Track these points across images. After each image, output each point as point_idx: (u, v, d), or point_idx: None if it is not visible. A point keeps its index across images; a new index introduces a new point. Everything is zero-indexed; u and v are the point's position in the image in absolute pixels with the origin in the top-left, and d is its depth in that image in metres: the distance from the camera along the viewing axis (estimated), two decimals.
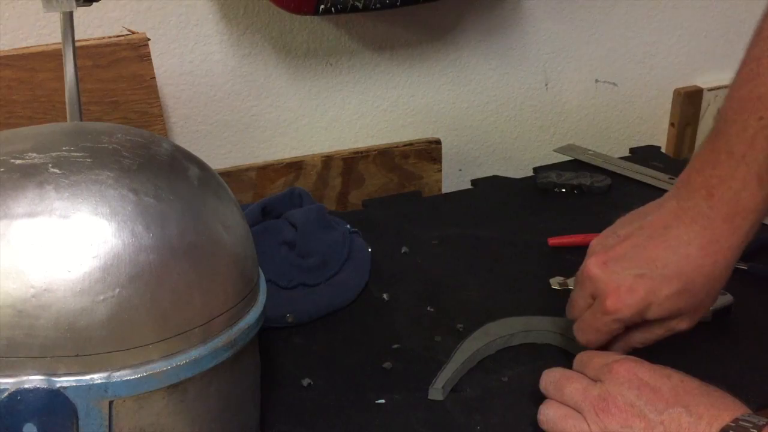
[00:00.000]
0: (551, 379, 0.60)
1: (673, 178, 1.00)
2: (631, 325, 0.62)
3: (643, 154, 1.11)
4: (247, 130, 1.03)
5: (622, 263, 0.61)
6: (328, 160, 1.03)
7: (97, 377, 0.46)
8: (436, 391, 0.64)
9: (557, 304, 0.76)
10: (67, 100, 0.60)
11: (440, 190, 1.11)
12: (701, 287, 0.59)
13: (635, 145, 1.20)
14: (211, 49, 0.98)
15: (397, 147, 1.07)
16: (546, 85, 1.18)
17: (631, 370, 0.56)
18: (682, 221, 0.59)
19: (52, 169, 0.46)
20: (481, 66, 1.13)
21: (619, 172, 1.05)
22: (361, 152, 1.05)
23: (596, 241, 0.64)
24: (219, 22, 0.97)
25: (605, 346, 0.64)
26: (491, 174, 1.10)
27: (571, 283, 0.78)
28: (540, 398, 0.60)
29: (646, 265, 0.59)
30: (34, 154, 0.47)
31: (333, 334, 0.74)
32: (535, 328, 0.71)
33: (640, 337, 0.63)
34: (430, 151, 1.09)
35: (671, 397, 0.53)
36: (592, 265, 0.62)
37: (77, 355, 0.45)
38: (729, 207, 0.58)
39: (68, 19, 0.59)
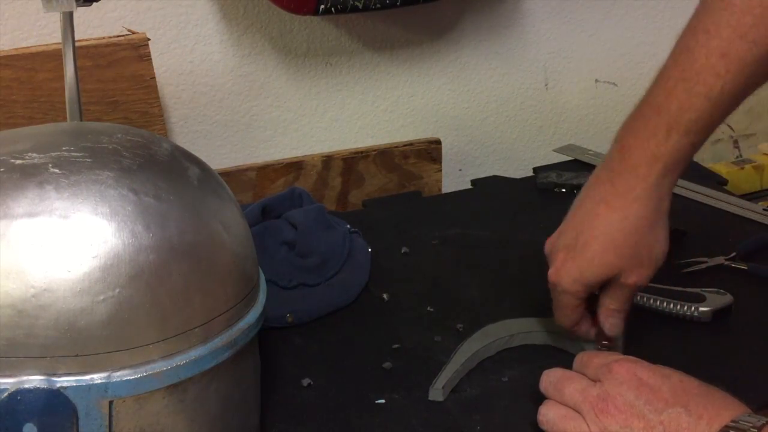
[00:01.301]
0: (551, 379, 0.60)
1: None
2: (587, 295, 0.64)
3: None
4: (247, 130, 1.03)
5: (558, 239, 0.65)
6: (328, 160, 1.03)
7: (97, 377, 0.46)
8: (437, 392, 0.64)
9: None
10: (67, 100, 0.60)
11: (440, 190, 1.11)
12: (625, 241, 0.60)
13: None
14: (211, 49, 0.98)
15: (397, 147, 1.07)
16: (546, 85, 1.18)
17: (630, 371, 0.56)
18: (596, 185, 0.62)
19: (52, 169, 0.46)
20: (481, 66, 1.13)
21: None
22: (361, 152, 1.05)
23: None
24: (219, 22, 0.97)
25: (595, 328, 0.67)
26: (491, 174, 1.10)
27: None
28: (540, 398, 0.60)
29: (570, 236, 0.63)
30: (34, 154, 0.47)
31: (333, 334, 0.74)
32: (535, 329, 0.71)
33: (606, 303, 0.64)
34: (430, 151, 1.09)
35: (670, 397, 0.53)
36: (546, 243, 0.66)
37: (77, 355, 0.45)
38: (635, 157, 0.59)
39: (68, 19, 0.59)
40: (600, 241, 0.61)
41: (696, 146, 0.59)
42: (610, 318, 0.65)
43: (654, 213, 0.60)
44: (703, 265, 0.82)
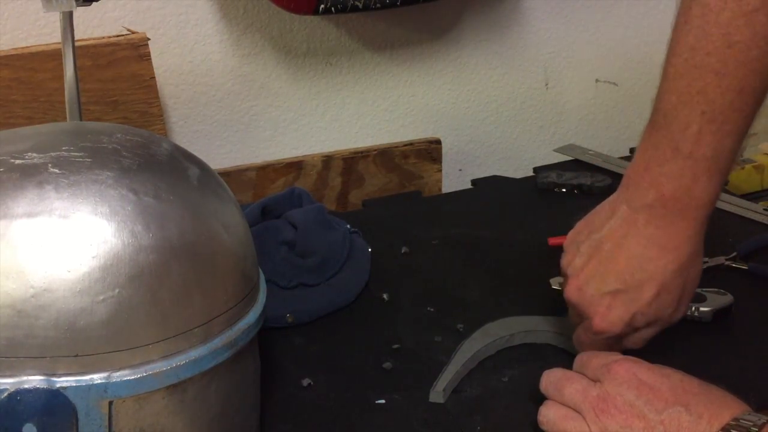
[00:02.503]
0: (551, 379, 0.60)
1: None
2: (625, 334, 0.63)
3: None
4: (247, 130, 1.03)
5: (594, 284, 0.61)
6: (328, 160, 1.03)
7: (97, 377, 0.46)
8: (437, 394, 0.64)
9: (557, 304, 0.76)
10: (66, 100, 0.60)
11: (440, 190, 1.11)
12: (674, 282, 0.60)
13: (635, 145, 1.19)
14: (211, 49, 0.98)
15: (397, 147, 1.07)
16: (546, 85, 1.18)
17: (630, 371, 0.56)
18: (637, 226, 0.60)
19: (51, 169, 0.46)
20: (481, 66, 1.13)
21: (619, 172, 1.04)
22: (361, 152, 1.05)
23: (565, 262, 0.65)
24: (219, 22, 0.97)
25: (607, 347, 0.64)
26: (491, 174, 1.10)
27: None
28: (540, 398, 0.60)
29: (617, 280, 0.60)
30: (34, 154, 0.47)
31: (333, 334, 0.74)
32: (535, 328, 0.71)
33: (637, 339, 0.64)
34: (430, 151, 1.09)
35: (671, 396, 0.53)
36: (569, 292, 0.63)
37: (77, 355, 0.45)
38: (682, 203, 0.58)
39: (68, 18, 0.59)
40: (655, 284, 0.60)
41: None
42: (640, 343, 0.64)
43: (700, 249, 0.61)
44: (704, 265, 0.81)
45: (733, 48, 0.54)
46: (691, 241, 0.59)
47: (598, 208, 0.64)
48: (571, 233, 0.66)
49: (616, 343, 0.64)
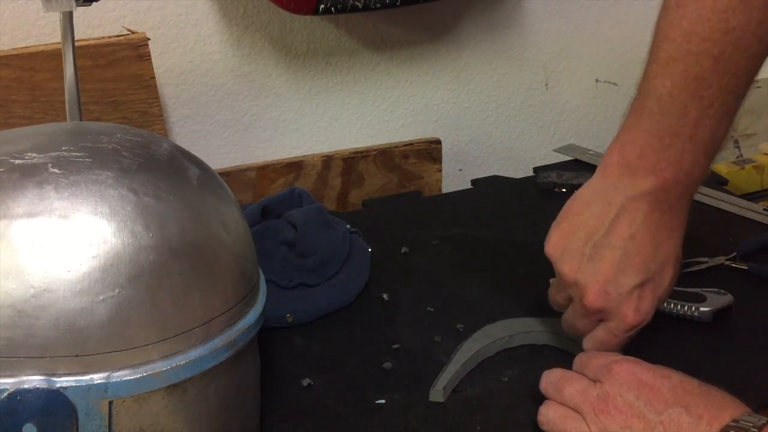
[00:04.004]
0: (551, 379, 0.60)
1: None
2: None
3: None
4: (247, 130, 1.03)
5: (619, 283, 0.61)
6: (328, 160, 1.03)
7: (97, 377, 0.46)
8: (437, 393, 0.64)
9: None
10: (66, 100, 0.60)
11: (440, 190, 1.11)
12: (680, 253, 0.63)
13: None
14: (211, 49, 0.98)
15: (397, 147, 1.07)
16: (546, 85, 1.18)
17: (630, 371, 0.56)
18: (643, 215, 0.60)
19: (51, 169, 0.46)
20: (481, 66, 1.13)
21: None
22: (361, 152, 1.05)
23: (570, 273, 0.63)
24: (219, 21, 0.97)
25: None
26: (491, 174, 1.10)
27: None
28: (540, 398, 0.60)
29: (641, 271, 0.61)
30: (34, 154, 0.47)
31: (333, 334, 0.74)
32: (535, 329, 0.71)
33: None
34: (430, 151, 1.09)
35: (671, 397, 0.53)
36: (593, 300, 0.61)
37: (77, 355, 0.45)
38: (682, 186, 0.59)
39: (68, 18, 0.59)
40: (672, 263, 0.62)
41: None
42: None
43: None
44: (704, 265, 0.81)
45: (730, 33, 0.55)
46: (687, 213, 0.62)
47: (577, 206, 0.64)
48: (556, 242, 0.64)
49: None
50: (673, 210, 0.60)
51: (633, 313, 0.61)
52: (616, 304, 0.61)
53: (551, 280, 0.80)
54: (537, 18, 1.13)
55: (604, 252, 0.61)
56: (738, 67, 0.56)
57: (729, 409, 0.52)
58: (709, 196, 0.96)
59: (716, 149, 0.59)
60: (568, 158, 1.10)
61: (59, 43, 0.60)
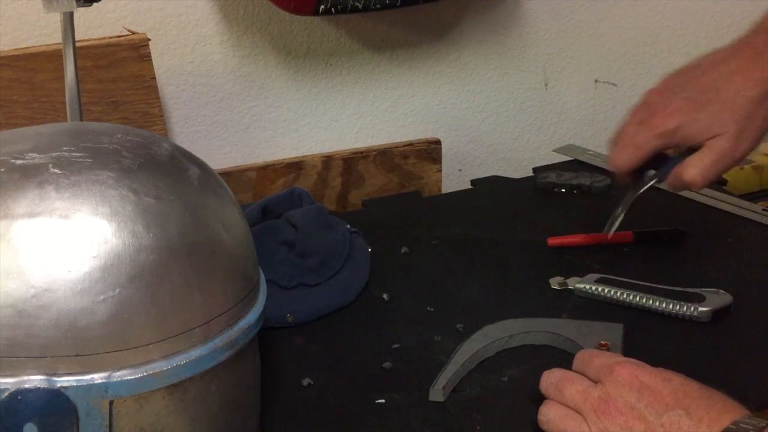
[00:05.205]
0: (551, 380, 0.60)
1: None
2: (672, 147, 0.70)
3: None
4: (247, 130, 1.03)
5: (676, 90, 0.69)
6: (328, 160, 1.03)
7: (98, 377, 0.46)
8: (437, 392, 0.64)
9: (557, 304, 0.76)
10: (67, 101, 0.60)
11: (440, 190, 1.11)
12: (742, 108, 0.66)
13: None
14: (211, 50, 0.98)
15: (397, 147, 1.07)
16: (546, 85, 1.18)
17: (631, 373, 0.56)
18: (736, 54, 0.67)
19: (52, 169, 0.46)
20: (481, 66, 1.13)
21: None
22: (361, 152, 1.05)
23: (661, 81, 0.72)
24: (219, 22, 0.97)
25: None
26: (491, 174, 1.10)
27: (570, 283, 0.78)
28: (540, 398, 0.60)
29: (695, 90, 0.67)
30: (35, 154, 0.47)
31: (333, 334, 0.74)
32: (534, 329, 0.71)
33: (692, 165, 0.68)
34: (430, 151, 1.09)
35: (672, 399, 0.53)
36: (652, 93, 0.71)
37: (77, 355, 0.45)
38: None
39: (68, 19, 0.59)
40: (722, 100, 0.66)
41: None
42: (692, 170, 0.69)
43: None
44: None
45: None
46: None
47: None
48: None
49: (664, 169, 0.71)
50: (762, 63, 0.65)
51: (662, 112, 0.69)
52: (660, 103, 0.69)
53: (551, 280, 0.80)
54: (537, 18, 1.13)
55: (689, 68, 0.70)
56: None
57: (729, 412, 0.52)
58: (708, 197, 0.96)
59: None
60: (568, 158, 1.10)
61: (60, 43, 0.60)
